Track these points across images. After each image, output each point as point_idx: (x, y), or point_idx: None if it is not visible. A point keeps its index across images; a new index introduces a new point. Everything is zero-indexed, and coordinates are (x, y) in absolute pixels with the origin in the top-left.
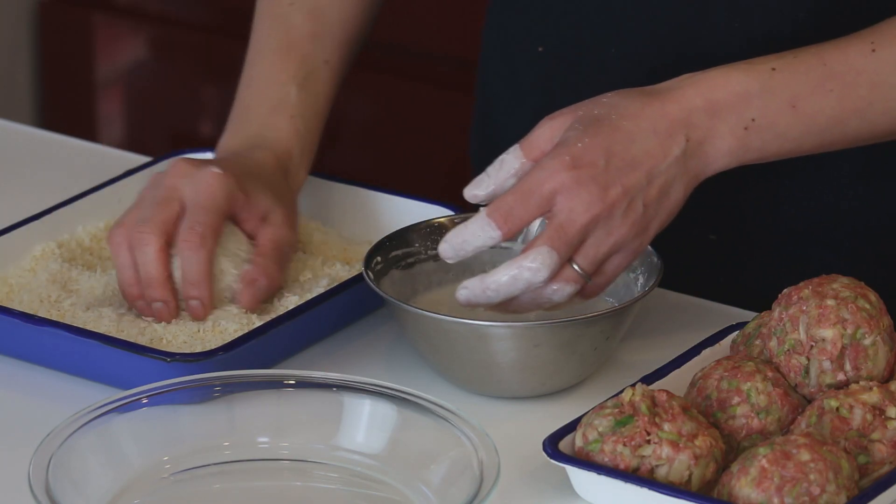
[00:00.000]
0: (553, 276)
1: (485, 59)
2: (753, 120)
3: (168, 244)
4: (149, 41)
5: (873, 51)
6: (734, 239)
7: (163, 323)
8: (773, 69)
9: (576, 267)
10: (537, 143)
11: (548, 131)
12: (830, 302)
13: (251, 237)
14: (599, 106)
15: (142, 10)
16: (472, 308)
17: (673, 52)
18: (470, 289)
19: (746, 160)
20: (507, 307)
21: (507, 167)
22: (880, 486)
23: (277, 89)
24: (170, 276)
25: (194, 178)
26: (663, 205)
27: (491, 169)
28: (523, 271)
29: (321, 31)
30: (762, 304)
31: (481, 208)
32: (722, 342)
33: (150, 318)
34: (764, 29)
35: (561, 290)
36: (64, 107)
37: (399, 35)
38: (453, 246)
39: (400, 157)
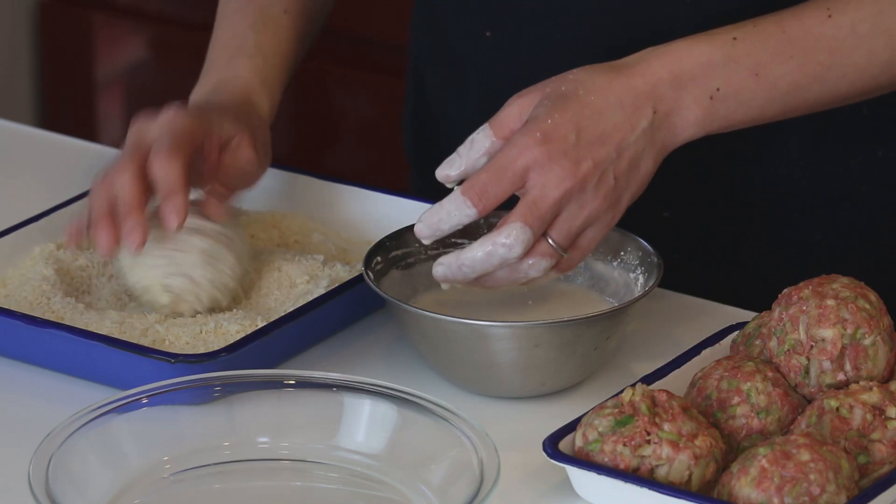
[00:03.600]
0: (528, 252)
1: (417, 49)
2: (718, 89)
3: (144, 174)
4: (149, 41)
5: (829, 16)
6: (687, 216)
7: (165, 324)
8: (735, 38)
9: (550, 241)
10: (506, 121)
11: (516, 109)
12: (830, 302)
13: (215, 167)
14: (566, 82)
15: (142, 10)
16: (449, 285)
17: (621, 33)
18: (445, 265)
19: (712, 129)
20: (483, 283)
21: (477, 146)
22: (880, 486)
23: (236, 39)
24: (145, 205)
25: (156, 119)
26: (634, 177)
27: (462, 149)
28: (497, 247)
29: None
30: (762, 304)
31: (455, 187)
32: (722, 342)
33: (152, 318)
34: (713, 7)
35: (537, 264)
36: (64, 107)
37: (399, 35)
38: (429, 225)
39: (400, 157)
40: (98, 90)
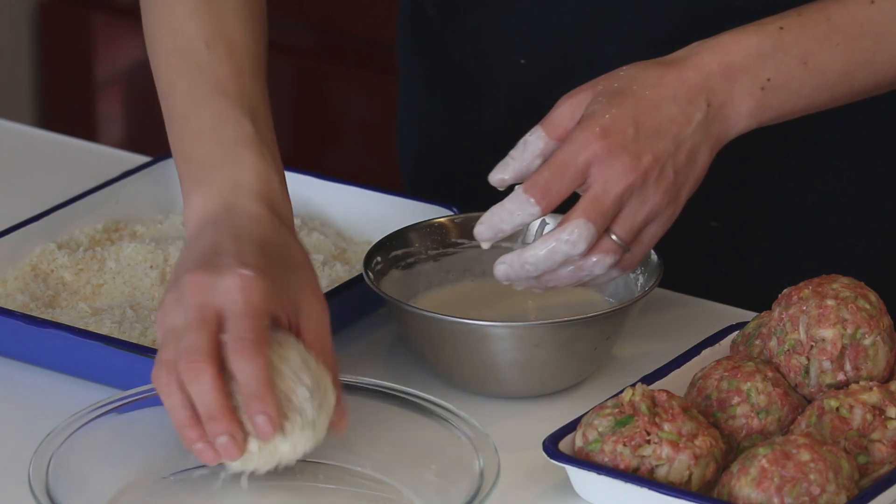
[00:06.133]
0: (591, 248)
1: (407, 69)
2: (769, 80)
3: (222, 369)
4: None
5: (872, 2)
6: (736, 225)
7: None
8: (781, 28)
9: (614, 237)
10: (559, 121)
11: (568, 108)
12: (830, 302)
13: (291, 331)
14: (618, 79)
15: None
16: (510, 284)
17: (679, 39)
18: (508, 263)
19: (765, 120)
20: (546, 283)
21: (531, 148)
22: (880, 486)
23: (231, 131)
24: (232, 405)
25: (220, 286)
26: (692, 170)
27: (514, 152)
28: (561, 244)
29: (245, 66)
30: (762, 304)
31: (517, 187)
32: (722, 342)
33: (152, 317)
34: (763, 5)
35: (601, 261)
36: (64, 107)
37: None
38: (490, 226)
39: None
40: (98, 90)
